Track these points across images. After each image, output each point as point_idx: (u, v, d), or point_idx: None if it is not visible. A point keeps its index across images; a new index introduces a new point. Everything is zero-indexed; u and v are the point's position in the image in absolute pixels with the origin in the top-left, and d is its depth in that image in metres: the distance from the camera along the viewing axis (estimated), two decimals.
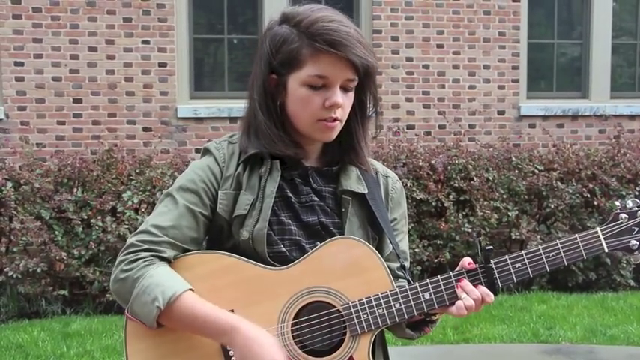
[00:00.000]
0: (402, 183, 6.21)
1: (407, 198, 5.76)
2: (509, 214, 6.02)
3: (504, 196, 6.09)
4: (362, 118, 1.61)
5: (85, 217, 5.39)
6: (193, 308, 1.44)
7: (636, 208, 1.55)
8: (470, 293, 1.50)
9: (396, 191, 1.70)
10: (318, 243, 1.54)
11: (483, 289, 1.52)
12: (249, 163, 1.58)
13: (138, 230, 1.54)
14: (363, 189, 1.61)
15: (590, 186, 6.15)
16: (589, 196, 6.13)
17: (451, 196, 5.97)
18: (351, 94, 1.55)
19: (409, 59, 6.79)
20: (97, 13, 6.20)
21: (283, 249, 1.54)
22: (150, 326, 1.46)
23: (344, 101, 1.52)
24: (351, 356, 1.50)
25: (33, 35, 6.10)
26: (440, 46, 6.84)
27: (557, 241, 1.54)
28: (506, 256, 1.54)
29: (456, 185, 6.01)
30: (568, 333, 4.97)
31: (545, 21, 7.44)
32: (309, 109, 1.52)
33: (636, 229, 1.54)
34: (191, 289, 1.47)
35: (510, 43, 6.98)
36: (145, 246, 1.50)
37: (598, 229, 1.55)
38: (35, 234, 5.25)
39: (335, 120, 1.53)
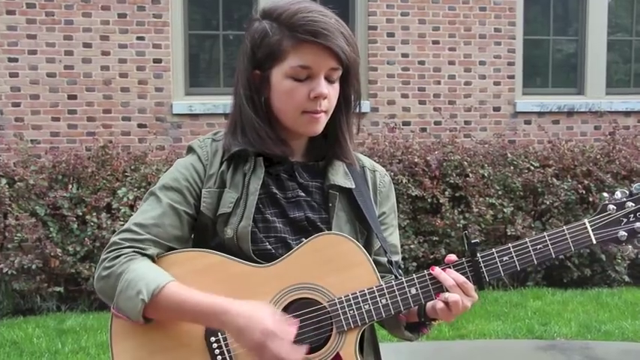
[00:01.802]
0: (398, 179, 6.21)
1: (403, 194, 5.84)
2: (505, 210, 6.02)
3: (500, 193, 6.08)
4: (347, 112, 1.59)
5: (80, 214, 5.39)
6: (179, 297, 1.43)
7: (624, 199, 1.53)
8: (445, 281, 1.49)
9: (384, 185, 1.69)
10: (304, 239, 1.53)
11: (455, 274, 1.50)
12: (233, 160, 1.57)
13: (121, 229, 1.53)
14: (350, 184, 1.60)
15: (586, 182, 6.15)
16: (584, 192, 6.13)
17: (447, 193, 5.97)
18: (336, 86, 1.54)
19: (405, 55, 6.78)
20: (91, 9, 6.18)
21: (269, 246, 1.53)
22: (136, 320, 1.44)
23: (329, 92, 1.51)
24: (338, 353, 1.49)
25: (27, 31, 6.09)
26: (435, 43, 6.84)
27: (545, 233, 1.52)
28: (493, 250, 1.53)
29: (452, 181, 6.00)
30: (563, 329, 4.97)
31: (540, 17, 7.43)
32: (294, 101, 1.51)
33: (624, 220, 1.51)
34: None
35: (506, 39, 6.98)
36: (128, 244, 1.49)
37: (586, 220, 1.53)
38: (30, 230, 5.25)
39: (321, 112, 1.52)
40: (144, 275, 1.44)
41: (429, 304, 1.53)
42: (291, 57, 1.49)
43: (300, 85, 1.50)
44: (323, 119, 1.53)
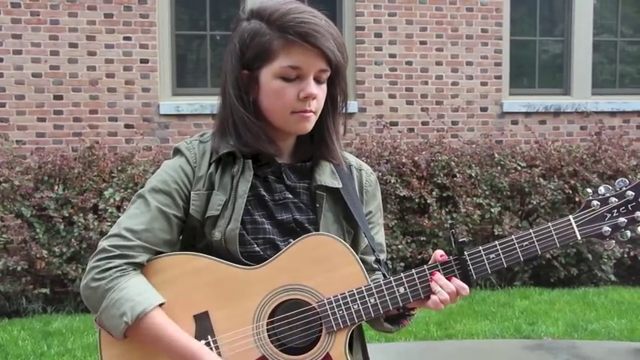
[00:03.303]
0: (386, 180, 6.21)
1: (390, 194, 5.85)
2: (492, 210, 6.05)
3: (487, 193, 6.11)
4: (333, 112, 1.60)
5: (67, 215, 5.35)
6: (158, 329, 1.44)
7: (608, 195, 1.54)
8: (444, 287, 1.50)
9: (370, 184, 1.69)
10: (292, 241, 1.52)
11: (458, 282, 1.51)
12: (221, 162, 1.56)
13: (110, 233, 1.51)
14: (337, 183, 1.60)
15: (572, 182, 6.19)
16: (571, 192, 6.17)
17: (434, 193, 5.98)
18: (324, 87, 1.54)
19: (392, 56, 6.79)
20: (77, 9, 6.14)
21: (257, 248, 1.53)
22: (116, 338, 1.46)
23: (318, 92, 1.52)
24: (328, 353, 1.49)
25: (12, 31, 6.03)
26: (423, 43, 6.85)
27: (531, 230, 1.53)
28: (480, 247, 1.53)
29: (439, 182, 6.02)
30: (550, 328, 4.99)
31: (527, 18, 7.47)
32: (283, 101, 1.51)
33: (608, 215, 1.53)
34: (162, 303, 1.46)
35: (493, 39, 7.00)
36: (118, 252, 1.47)
37: (570, 216, 1.54)
38: (15, 232, 5.20)
39: (310, 111, 1.52)
40: (131, 296, 1.44)
41: None
42: (281, 57, 1.49)
43: (290, 86, 1.50)
44: (312, 118, 1.54)
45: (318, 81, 1.52)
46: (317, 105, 1.53)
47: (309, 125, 1.54)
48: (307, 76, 1.50)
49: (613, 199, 1.53)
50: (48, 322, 5.14)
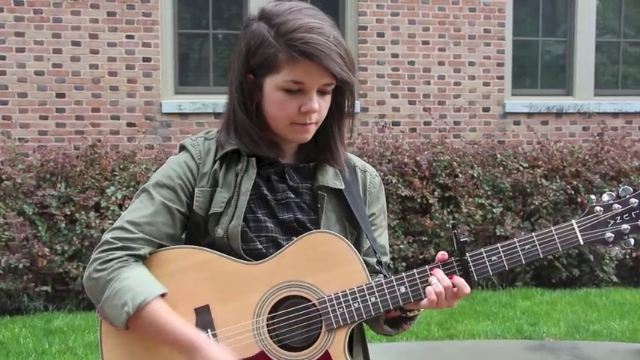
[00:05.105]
0: (387, 179, 6.22)
1: (392, 194, 5.85)
2: (494, 210, 6.04)
3: (489, 193, 6.10)
4: (339, 119, 1.60)
5: (69, 213, 5.36)
6: (159, 319, 1.45)
7: (611, 201, 1.55)
8: (441, 280, 1.49)
9: (374, 186, 1.69)
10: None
11: (459, 279, 1.50)
12: (226, 159, 1.57)
13: (113, 226, 1.53)
14: (339, 184, 1.60)
15: (574, 183, 6.18)
16: (573, 192, 6.16)
17: (436, 193, 5.98)
18: (328, 97, 1.54)
19: (395, 56, 6.78)
20: (80, 7, 6.14)
21: (259, 246, 1.54)
22: (118, 328, 1.47)
23: (320, 105, 1.51)
24: (327, 351, 1.49)
25: (15, 29, 6.04)
26: (425, 43, 6.84)
27: (533, 234, 1.54)
28: (482, 249, 1.53)
29: (441, 182, 6.02)
30: (552, 329, 4.99)
31: (530, 18, 7.46)
32: (284, 112, 1.51)
33: (611, 221, 1.54)
34: (163, 294, 1.47)
35: (495, 40, 7.00)
36: (120, 244, 1.49)
37: (573, 221, 1.55)
38: (17, 229, 5.21)
39: (310, 124, 1.52)
40: (132, 286, 1.45)
41: None
42: (285, 71, 1.48)
43: (292, 98, 1.50)
44: (312, 129, 1.54)
45: (322, 92, 1.51)
46: (318, 117, 1.53)
47: (309, 136, 1.55)
48: (310, 91, 1.49)
49: (616, 206, 1.54)
50: (49, 319, 5.15)
